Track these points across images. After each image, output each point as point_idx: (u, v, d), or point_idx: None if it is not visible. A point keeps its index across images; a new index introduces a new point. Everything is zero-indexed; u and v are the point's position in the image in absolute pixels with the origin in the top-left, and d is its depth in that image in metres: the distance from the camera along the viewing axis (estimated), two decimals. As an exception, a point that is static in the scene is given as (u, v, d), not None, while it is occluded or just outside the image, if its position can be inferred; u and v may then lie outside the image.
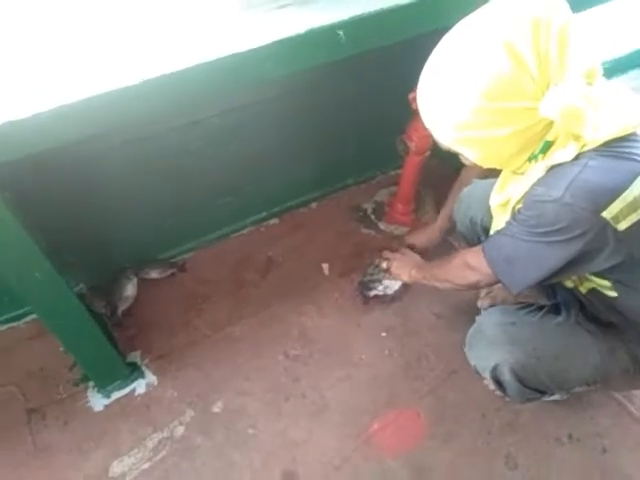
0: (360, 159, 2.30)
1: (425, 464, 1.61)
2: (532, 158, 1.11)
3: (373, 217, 2.21)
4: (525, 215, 1.12)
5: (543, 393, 1.42)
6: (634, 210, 1.01)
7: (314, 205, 2.33)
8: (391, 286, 1.90)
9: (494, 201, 1.32)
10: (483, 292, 1.90)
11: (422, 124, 1.75)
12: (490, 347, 1.39)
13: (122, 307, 1.99)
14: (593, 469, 1.60)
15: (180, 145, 1.85)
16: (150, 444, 1.70)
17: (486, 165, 1.16)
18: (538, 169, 1.09)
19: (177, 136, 1.82)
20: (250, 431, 1.71)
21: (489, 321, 1.45)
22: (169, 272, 2.11)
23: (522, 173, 1.16)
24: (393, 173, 2.39)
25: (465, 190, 1.72)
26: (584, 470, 1.59)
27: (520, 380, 1.35)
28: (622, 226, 1.02)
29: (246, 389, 1.80)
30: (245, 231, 2.25)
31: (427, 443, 1.66)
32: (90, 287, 2.04)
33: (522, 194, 1.15)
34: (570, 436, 1.66)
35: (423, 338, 1.88)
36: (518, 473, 1.59)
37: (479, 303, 1.89)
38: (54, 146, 1.14)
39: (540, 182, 1.08)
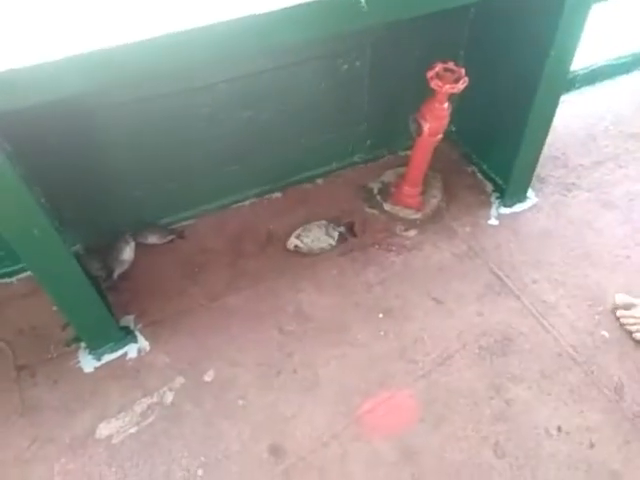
0: (369, 138, 2.26)
1: (414, 447, 1.60)
2: None
3: (379, 197, 2.18)
4: None
5: None
6: None
7: (320, 181, 2.29)
8: None
9: None
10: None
11: (438, 104, 1.74)
12: None
13: (118, 270, 1.96)
14: (579, 463, 1.60)
15: (189, 108, 1.80)
16: (139, 408, 1.69)
17: None
18: None
19: (187, 99, 1.77)
20: (240, 402, 1.70)
21: None
22: (168, 238, 2.08)
23: None
24: (402, 154, 2.34)
25: None
26: (570, 463, 1.60)
27: None
28: None
29: (238, 360, 1.79)
30: (247, 202, 2.21)
31: (417, 426, 1.65)
32: (87, 248, 2.01)
33: None
34: (559, 428, 1.66)
35: (420, 322, 1.87)
36: (505, 462, 1.58)
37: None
38: (57, 97, 1.10)
39: None
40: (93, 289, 1.63)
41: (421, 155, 1.93)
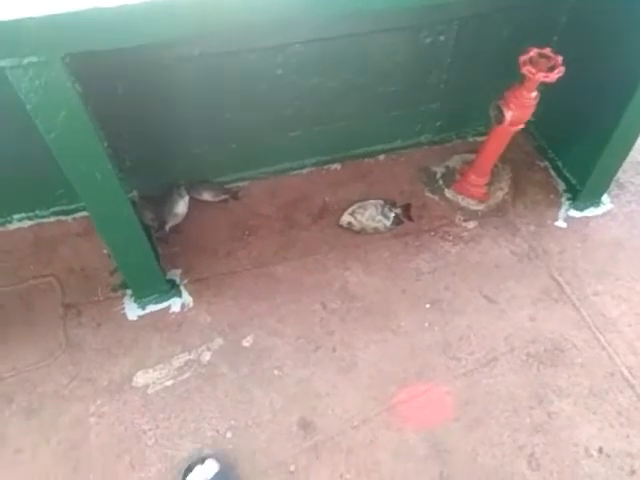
0: (440, 119, 2.15)
1: (445, 445, 1.56)
2: None
3: (441, 182, 2.08)
4: None
5: None
6: None
7: (381, 158, 2.20)
8: None
9: None
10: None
11: (526, 92, 1.62)
12: None
13: (170, 223, 1.96)
14: (617, 489, 1.53)
15: (260, 68, 1.74)
16: (176, 363, 1.71)
17: None
18: None
19: (258, 59, 1.71)
20: (275, 372, 1.69)
21: None
22: (222, 197, 2.06)
23: None
24: (471, 140, 2.22)
25: None
26: (608, 488, 1.53)
27: None
28: None
29: (278, 330, 1.77)
30: (305, 171, 2.16)
31: (451, 425, 1.60)
32: (142, 197, 2.01)
33: None
34: (600, 450, 1.58)
35: (468, 318, 1.79)
36: (539, 475, 1.53)
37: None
38: (136, 43, 1.07)
39: None
40: (145, 237, 1.62)
41: (496, 144, 1.81)
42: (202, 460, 1.51)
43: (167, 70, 1.68)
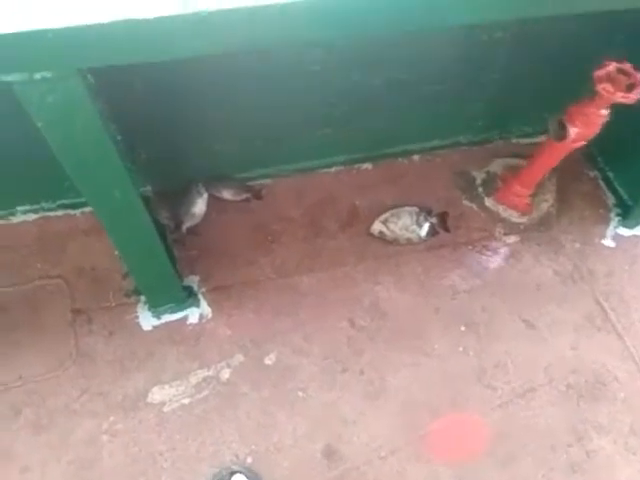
0: (483, 118, 1.97)
1: (477, 481, 1.49)
2: None
3: (481, 189, 1.93)
4: None
5: None
6: None
7: (416, 158, 2.03)
8: None
9: None
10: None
11: (596, 109, 1.44)
12: None
13: (188, 224, 1.81)
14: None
15: (294, 64, 1.55)
16: (194, 379, 1.61)
17: None
18: None
19: (293, 54, 1.52)
20: (300, 394, 1.59)
21: None
22: (244, 196, 1.90)
23: None
24: (514, 141, 2.05)
25: None
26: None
27: None
28: None
29: (303, 348, 1.66)
30: (333, 170, 1.99)
31: (484, 459, 1.52)
32: (157, 193, 1.86)
33: None
34: (640, 492, 1.51)
35: (505, 344, 1.68)
36: (574, 518, 1.46)
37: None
38: (169, 57, 0.91)
39: None
40: (159, 239, 1.47)
41: (550, 159, 1.64)
42: (230, 475, 1.44)
43: (189, 64, 1.49)
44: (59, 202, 1.86)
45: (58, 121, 1.00)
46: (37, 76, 0.89)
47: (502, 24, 1.56)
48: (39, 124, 1.00)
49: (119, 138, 1.67)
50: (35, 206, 1.85)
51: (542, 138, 1.99)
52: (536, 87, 1.73)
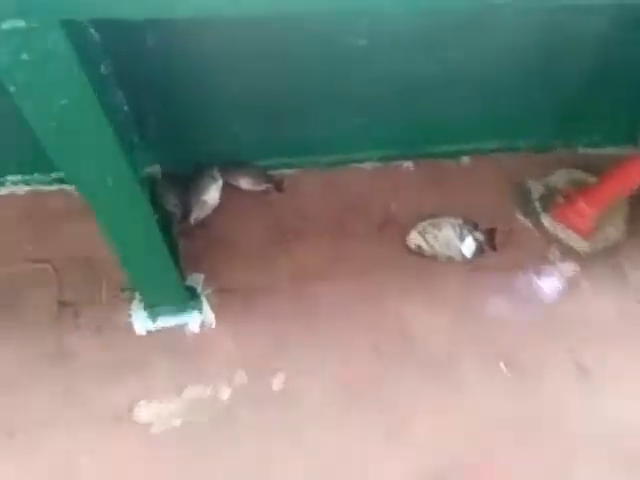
0: (548, 122, 1.69)
1: None
2: None
3: (538, 204, 1.67)
4: None
5: None
6: None
7: (466, 160, 1.77)
8: None
9: None
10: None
11: None
12: None
13: (197, 214, 1.60)
14: None
15: (335, 35, 1.30)
16: (187, 396, 1.41)
17: None
18: None
19: (333, 22, 1.27)
20: (307, 430, 1.37)
21: None
22: (263, 186, 1.68)
23: None
24: (582, 152, 1.76)
25: None
26: None
27: None
28: None
29: (317, 371, 1.44)
30: (369, 166, 1.75)
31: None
32: (165, 174, 1.63)
33: None
34: None
35: (551, 392, 1.44)
36: None
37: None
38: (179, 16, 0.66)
39: None
40: (160, 234, 1.23)
41: (632, 177, 1.37)
42: None
43: (212, 24, 1.24)
44: (54, 175, 1.64)
45: (35, 86, 0.77)
46: (5, 25, 0.67)
47: (597, 9, 1.28)
48: (11, 89, 0.78)
49: (126, 108, 1.45)
50: (27, 176, 1.64)
51: (613, 150, 1.73)
52: (625, 90, 1.44)
